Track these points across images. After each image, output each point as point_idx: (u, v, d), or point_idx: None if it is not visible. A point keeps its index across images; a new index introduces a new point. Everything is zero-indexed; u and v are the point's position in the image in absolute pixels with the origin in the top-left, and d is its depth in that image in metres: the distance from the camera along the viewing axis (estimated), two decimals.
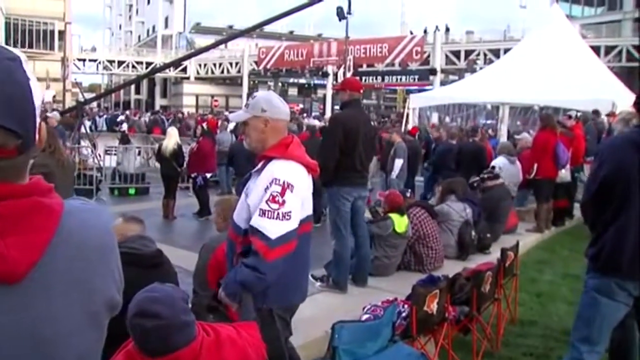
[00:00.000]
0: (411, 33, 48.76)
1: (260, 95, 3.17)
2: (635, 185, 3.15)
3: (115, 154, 15.26)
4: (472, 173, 9.32)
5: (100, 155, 14.52)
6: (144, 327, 2.04)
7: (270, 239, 2.76)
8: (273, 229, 2.78)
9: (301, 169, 2.98)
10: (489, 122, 23.13)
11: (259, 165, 3.01)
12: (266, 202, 2.81)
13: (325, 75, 49.77)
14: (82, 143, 14.57)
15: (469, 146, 10.99)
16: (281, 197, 2.80)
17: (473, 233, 7.51)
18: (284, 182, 2.83)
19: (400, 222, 6.56)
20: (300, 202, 2.91)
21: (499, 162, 10.22)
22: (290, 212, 2.81)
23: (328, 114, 42.26)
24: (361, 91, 6.50)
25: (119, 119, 30.63)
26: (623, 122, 5.02)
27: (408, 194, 7.58)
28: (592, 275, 3.39)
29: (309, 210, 3.06)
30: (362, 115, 6.57)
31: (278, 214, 2.78)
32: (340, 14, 25.10)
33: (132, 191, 13.70)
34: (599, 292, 3.32)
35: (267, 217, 2.79)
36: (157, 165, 12.16)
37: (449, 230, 7.44)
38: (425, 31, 46.41)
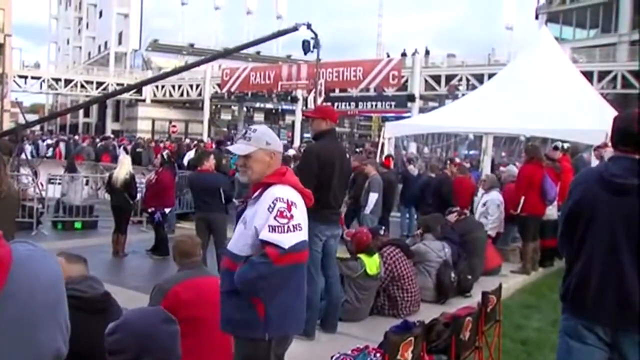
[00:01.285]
0: (388, 56, 49.45)
1: (260, 128, 3.49)
2: (600, 217, 3.20)
3: (59, 184, 15.07)
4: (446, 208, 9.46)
5: (42, 185, 14.32)
6: (172, 331, 2.33)
7: (284, 249, 3.04)
8: (285, 240, 3.06)
9: (299, 195, 3.28)
10: (471, 152, 23.45)
11: (256, 193, 3.29)
12: (274, 218, 3.09)
13: (294, 100, 50.14)
14: (22, 170, 14.37)
15: (440, 180, 11.20)
16: (289, 212, 3.10)
17: (452, 274, 7.58)
18: (287, 200, 3.14)
19: (371, 263, 6.61)
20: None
21: (495, 198, 10.31)
22: (300, 224, 3.13)
23: (297, 142, 42.42)
24: (337, 120, 6.60)
25: (45, 143, 29.77)
26: None
27: (382, 232, 7.62)
28: (564, 317, 3.42)
29: (306, 236, 3.30)
30: (338, 147, 6.69)
31: (289, 227, 3.08)
32: (306, 48, 25.41)
33: (78, 225, 13.52)
34: (569, 336, 3.32)
35: (278, 232, 3.07)
36: (107, 196, 12.04)
37: (426, 271, 7.50)
38: (403, 54, 47.15)
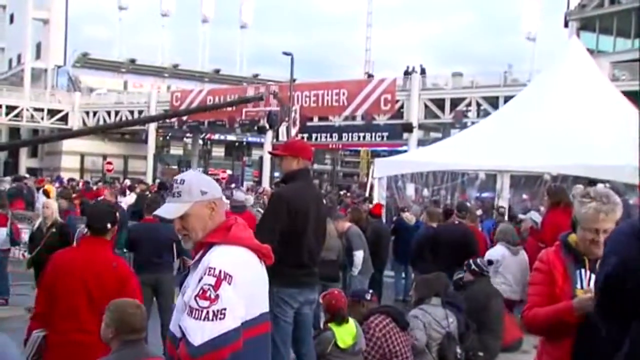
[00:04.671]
0: (368, 75, 49.56)
1: (189, 177, 3.42)
2: None
3: None
4: (454, 267, 9.45)
5: None
6: None
7: (193, 346, 2.92)
8: (198, 332, 2.94)
9: (249, 256, 3.25)
10: (484, 195, 23.56)
11: (198, 256, 3.25)
12: (195, 298, 3.01)
13: (262, 131, 50.26)
14: None
15: (450, 231, 11.17)
16: (214, 292, 2.99)
17: (458, 350, 7.58)
18: (220, 272, 3.04)
19: (343, 334, 6.62)
20: (245, 297, 3.10)
21: (497, 252, 10.33)
22: (224, 309, 2.98)
23: (266, 183, 42.42)
24: (311, 158, 6.68)
25: None
26: None
27: (368, 296, 7.63)
28: None
29: (263, 306, 3.32)
30: (313, 191, 6.77)
31: (207, 312, 2.96)
32: (273, 122, 25.74)
33: None
34: None
35: (194, 316, 2.97)
36: (17, 253, 11.90)
37: (425, 346, 7.49)
38: (406, 72, 47.33)
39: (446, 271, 8.90)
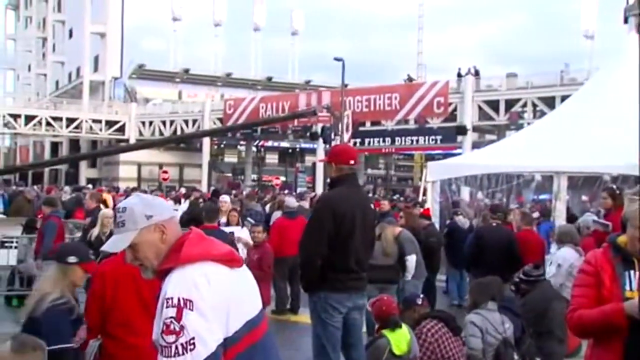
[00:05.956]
0: (409, 79, 49.14)
1: (131, 203, 3.19)
2: None
3: (15, 247, 15.04)
4: (505, 271, 9.22)
5: None
6: None
7: None
8: None
9: (209, 270, 2.99)
10: (542, 197, 23.15)
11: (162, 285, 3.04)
12: (161, 335, 2.83)
13: (314, 137, 50.41)
14: None
15: (491, 232, 11.00)
16: (177, 323, 2.81)
17: (516, 356, 7.40)
18: (178, 301, 2.84)
19: (398, 340, 6.48)
20: (218, 315, 2.90)
21: (570, 255, 9.97)
22: (192, 339, 2.80)
23: (319, 190, 42.45)
24: (357, 162, 6.62)
25: None
26: None
27: (419, 301, 7.50)
28: None
29: (248, 313, 3.06)
30: (360, 195, 6.72)
31: (177, 347, 2.79)
32: (325, 137, 25.81)
33: None
34: None
35: (165, 355, 2.81)
36: None
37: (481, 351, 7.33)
38: (459, 75, 47.25)
39: (491, 273, 8.73)
